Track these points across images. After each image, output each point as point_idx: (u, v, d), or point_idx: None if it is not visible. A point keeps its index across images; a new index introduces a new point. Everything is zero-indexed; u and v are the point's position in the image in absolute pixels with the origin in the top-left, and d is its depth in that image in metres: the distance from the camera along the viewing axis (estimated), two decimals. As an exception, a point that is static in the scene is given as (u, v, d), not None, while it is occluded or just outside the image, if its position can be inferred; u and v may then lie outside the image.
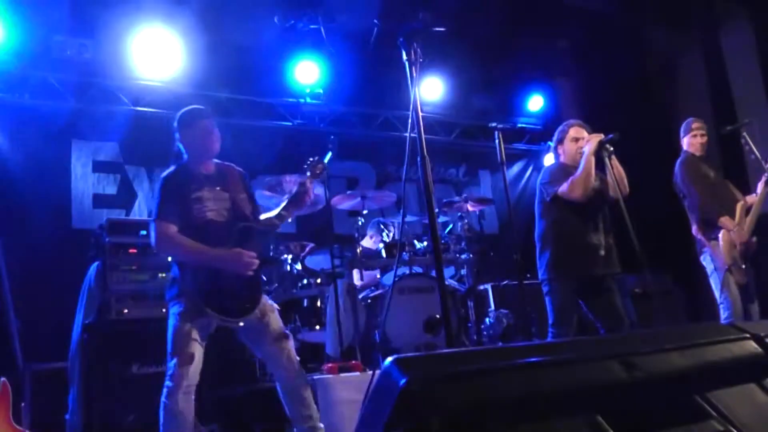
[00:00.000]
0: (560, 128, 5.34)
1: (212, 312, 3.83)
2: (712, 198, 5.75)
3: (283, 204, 4.29)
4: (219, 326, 3.99)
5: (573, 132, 5.21)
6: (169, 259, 4.12)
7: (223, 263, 3.88)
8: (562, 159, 5.24)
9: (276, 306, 4.20)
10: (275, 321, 4.09)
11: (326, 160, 4.83)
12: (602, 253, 4.97)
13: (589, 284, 4.96)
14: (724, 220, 5.65)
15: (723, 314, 5.57)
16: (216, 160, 4.29)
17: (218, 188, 4.12)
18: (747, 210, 5.74)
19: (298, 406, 4.03)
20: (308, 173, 4.36)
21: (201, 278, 3.87)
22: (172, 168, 4.14)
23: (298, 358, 4.11)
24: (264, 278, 4.15)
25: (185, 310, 3.83)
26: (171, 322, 3.86)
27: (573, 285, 4.95)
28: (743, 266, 5.59)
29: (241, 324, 3.97)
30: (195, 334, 3.79)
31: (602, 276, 4.98)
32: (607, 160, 4.83)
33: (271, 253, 4.20)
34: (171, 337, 3.81)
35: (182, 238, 3.89)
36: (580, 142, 5.12)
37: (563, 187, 4.93)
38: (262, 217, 4.33)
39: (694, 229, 5.88)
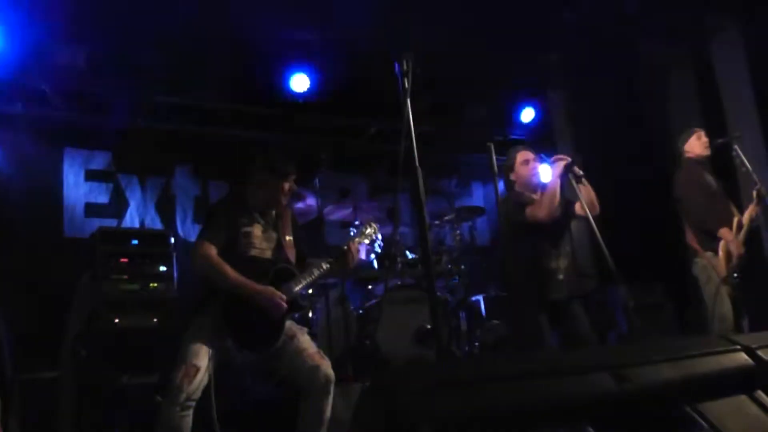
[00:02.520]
0: (508, 156, 5.35)
1: (231, 341, 3.84)
2: (713, 208, 5.74)
3: (330, 261, 4.32)
4: (235, 355, 4.00)
5: (521, 156, 5.24)
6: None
7: (254, 297, 3.91)
8: (516, 186, 5.22)
9: (305, 328, 4.22)
10: (306, 341, 4.11)
11: (319, 171, 4.83)
12: (560, 277, 4.98)
13: (551, 310, 4.93)
14: (724, 231, 5.63)
15: (716, 325, 5.57)
16: None
17: (269, 228, 4.20)
18: (740, 226, 5.73)
19: (315, 427, 3.99)
20: (356, 235, 4.53)
21: (230, 306, 3.89)
22: (229, 195, 4.21)
23: (334, 378, 4.06)
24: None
25: (202, 327, 3.86)
26: (188, 333, 3.87)
27: (538, 310, 4.91)
28: (736, 278, 5.59)
29: (258, 355, 4.00)
30: (206, 352, 3.78)
31: (564, 301, 4.97)
32: (574, 183, 4.85)
33: (303, 302, 4.20)
34: (181, 348, 3.81)
35: (221, 262, 3.93)
36: (531, 164, 5.17)
37: (528, 211, 4.94)
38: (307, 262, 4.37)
39: (689, 237, 5.87)
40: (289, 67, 8.37)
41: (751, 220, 5.77)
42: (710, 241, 5.69)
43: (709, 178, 5.91)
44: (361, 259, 4.63)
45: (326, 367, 4.01)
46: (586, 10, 8.48)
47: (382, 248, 6.89)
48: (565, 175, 4.89)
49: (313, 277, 4.22)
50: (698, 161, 5.97)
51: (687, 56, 9.27)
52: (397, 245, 6.81)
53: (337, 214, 6.97)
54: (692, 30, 9.00)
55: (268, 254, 4.14)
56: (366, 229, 4.55)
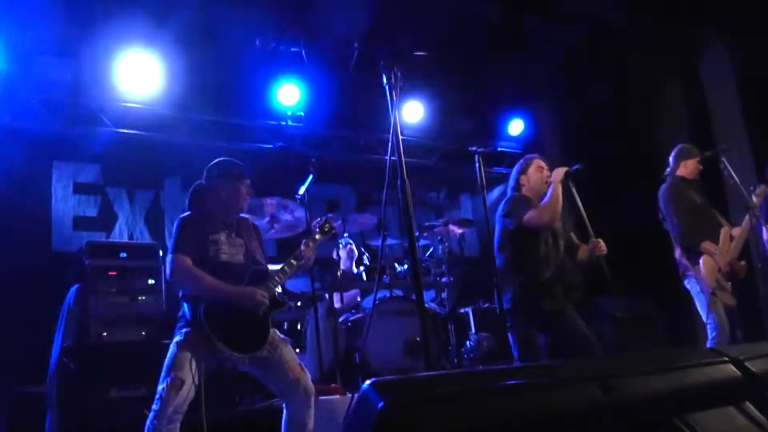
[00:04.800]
0: (523, 160, 5.35)
1: (221, 345, 3.82)
2: (694, 223, 5.74)
3: (289, 262, 4.30)
4: (223, 364, 4.02)
5: (537, 162, 5.25)
6: (180, 295, 4.10)
7: (236, 299, 3.94)
8: (524, 191, 5.21)
9: (288, 339, 4.19)
10: (289, 353, 4.09)
11: (307, 183, 4.82)
12: (556, 289, 4.98)
13: (549, 318, 4.92)
14: (706, 245, 5.64)
15: (710, 335, 5.57)
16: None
17: (234, 234, 4.22)
18: (731, 237, 5.73)
19: None
20: (317, 232, 4.50)
21: (213, 312, 3.88)
22: (190, 212, 4.22)
23: (314, 390, 4.07)
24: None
25: (187, 339, 3.84)
26: (171, 348, 3.86)
27: (534, 320, 4.92)
28: (729, 288, 5.60)
29: (247, 360, 3.96)
30: (191, 363, 3.77)
31: (561, 310, 4.96)
32: (573, 190, 4.92)
33: (283, 298, 4.19)
34: (166, 361, 3.81)
35: (199, 271, 3.94)
36: (545, 172, 5.16)
37: (530, 214, 4.91)
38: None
39: (677, 253, 5.88)
40: (278, 80, 8.39)
41: (748, 228, 5.78)
42: (695, 256, 5.69)
43: (694, 195, 5.92)
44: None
45: (307, 380, 4.03)
46: (576, 23, 8.53)
47: (371, 260, 6.94)
48: (566, 181, 4.93)
49: (287, 273, 4.25)
50: (685, 179, 5.98)
51: (675, 69, 9.32)
52: (386, 257, 6.81)
53: (326, 226, 6.95)
54: (681, 44, 9.06)
55: (240, 258, 4.15)
56: (324, 227, 4.54)
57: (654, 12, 8.42)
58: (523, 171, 5.27)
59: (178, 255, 3.98)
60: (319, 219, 4.58)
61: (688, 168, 6.01)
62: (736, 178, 5.87)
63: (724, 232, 5.74)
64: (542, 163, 5.25)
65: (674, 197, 5.87)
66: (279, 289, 4.26)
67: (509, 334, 4.96)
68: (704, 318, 5.63)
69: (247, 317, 3.95)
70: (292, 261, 4.28)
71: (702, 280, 5.61)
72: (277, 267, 4.27)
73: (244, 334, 3.93)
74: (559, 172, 4.97)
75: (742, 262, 5.70)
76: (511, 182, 5.37)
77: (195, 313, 3.91)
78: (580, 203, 4.94)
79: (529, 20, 8.45)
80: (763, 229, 6.56)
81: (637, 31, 8.83)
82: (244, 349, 3.91)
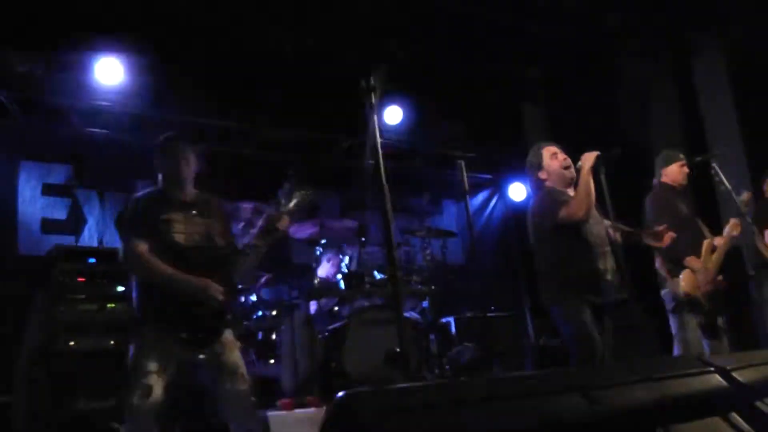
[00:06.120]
0: (532, 153, 5.19)
1: (174, 340, 3.78)
2: (681, 235, 5.67)
3: (256, 235, 4.18)
4: (180, 361, 3.90)
5: (547, 150, 5.11)
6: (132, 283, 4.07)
7: (190, 289, 3.85)
8: (548, 183, 5.06)
9: (238, 343, 4.13)
10: (235, 359, 4.02)
11: (285, 189, 4.79)
12: (609, 277, 4.86)
13: (596, 314, 4.79)
14: (691, 260, 5.62)
15: (676, 351, 5.60)
16: (198, 191, 4.29)
17: (193, 213, 4.11)
18: (714, 249, 5.74)
19: None
20: (290, 204, 4.24)
21: (166, 302, 3.83)
22: (143, 191, 4.16)
23: (254, 400, 4.04)
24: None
25: (144, 345, 3.79)
26: (134, 350, 3.82)
27: (585, 310, 4.75)
28: (707, 306, 5.59)
29: (202, 357, 3.90)
30: (154, 367, 3.72)
31: (608, 304, 4.86)
32: (603, 178, 4.82)
33: (240, 286, 4.13)
34: (130, 370, 3.77)
35: (152, 259, 3.87)
36: (560, 156, 5.06)
37: (564, 211, 4.77)
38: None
39: (658, 262, 5.89)
40: (256, 78, 8.32)
41: (732, 237, 5.80)
42: (677, 267, 5.68)
43: (680, 205, 5.92)
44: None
45: (249, 390, 3.99)
46: (565, 24, 8.55)
47: (350, 267, 6.92)
48: (597, 168, 4.83)
49: (250, 259, 4.14)
50: (672, 187, 5.98)
51: (667, 72, 9.36)
52: (366, 265, 6.80)
53: (304, 231, 6.93)
54: (673, 46, 9.11)
55: (197, 239, 4.03)
56: (295, 195, 4.27)
57: (647, 14, 8.47)
58: (537, 166, 5.11)
59: (132, 242, 3.91)
60: (287, 184, 4.36)
61: (670, 175, 6.01)
62: (727, 184, 5.87)
63: (706, 244, 5.74)
64: (554, 148, 5.12)
65: (658, 206, 5.86)
66: (239, 271, 4.15)
67: (564, 329, 4.83)
68: (674, 332, 5.66)
69: (202, 308, 3.87)
70: (257, 242, 4.13)
71: (679, 293, 5.62)
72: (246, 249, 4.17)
73: (199, 327, 3.87)
74: (590, 157, 4.85)
75: (720, 278, 5.67)
76: (531, 181, 5.23)
77: (146, 306, 3.87)
78: (607, 194, 4.82)
79: (518, 21, 8.46)
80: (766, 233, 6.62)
81: (629, 33, 8.87)
82: (198, 343, 3.86)
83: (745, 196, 5.92)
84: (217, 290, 3.88)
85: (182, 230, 4.01)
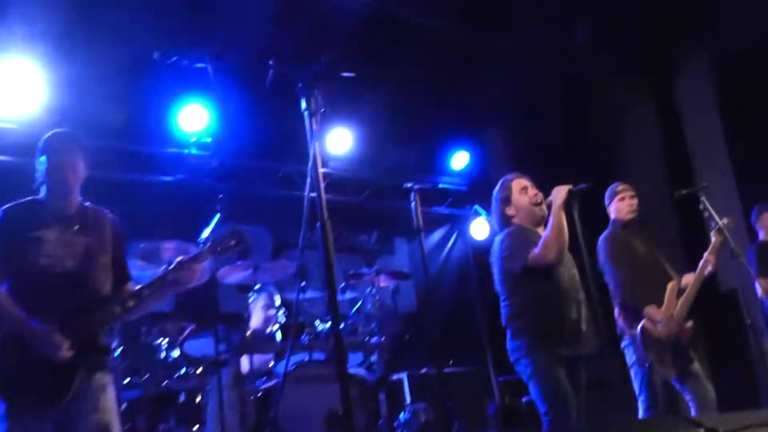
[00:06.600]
0: (500, 187, 5.26)
1: (15, 401, 3.57)
2: (636, 280, 5.75)
3: (155, 279, 3.98)
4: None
5: (517, 184, 5.18)
6: None
7: (29, 340, 3.61)
8: (515, 220, 5.14)
9: (111, 385, 3.88)
10: (110, 408, 3.80)
11: (213, 225, 4.74)
12: (583, 328, 4.90)
13: (568, 367, 4.83)
14: (650, 310, 5.65)
15: (642, 407, 5.62)
16: (87, 203, 4.13)
17: (74, 230, 3.91)
18: (682, 290, 5.78)
19: None
20: (207, 246, 4.11)
21: (7, 352, 3.65)
22: (13, 202, 3.97)
23: None
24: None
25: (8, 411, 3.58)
26: None
27: (558, 364, 4.78)
28: (670, 361, 5.61)
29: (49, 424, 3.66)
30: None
31: (583, 357, 4.91)
32: (576, 215, 4.85)
33: (105, 341, 3.80)
34: None
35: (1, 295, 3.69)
36: (531, 191, 5.13)
37: (535, 254, 4.81)
38: (128, 288, 4.09)
39: (616, 312, 5.86)
40: (180, 100, 8.30)
41: (704, 273, 5.83)
42: (635, 319, 5.69)
43: (636, 243, 5.98)
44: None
45: None
46: (528, 39, 8.64)
47: (287, 316, 6.88)
48: (570, 204, 4.86)
49: (128, 306, 3.87)
50: (623, 224, 6.06)
51: (646, 93, 9.46)
52: (305, 313, 6.77)
53: (234, 276, 6.87)
54: (653, 63, 9.21)
55: (70, 264, 3.80)
56: (223, 242, 4.08)
57: (618, 28, 8.58)
58: (505, 201, 5.18)
59: None
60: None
61: (616, 211, 6.10)
62: (719, 221, 5.90)
63: (670, 287, 5.77)
64: (524, 181, 5.19)
65: (612, 247, 5.90)
66: (109, 321, 3.91)
67: (531, 385, 4.83)
68: (636, 391, 5.68)
69: (45, 363, 3.60)
70: (145, 291, 3.90)
71: (638, 350, 5.63)
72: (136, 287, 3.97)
73: (39, 384, 3.62)
74: (560, 192, 4.90)
75: (689, 324, 5.70)
76: (497, 217, 5.29)
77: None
78: (580, 232, 4.83)
79: (478, 35, 8.56)
80: (756, 283, 6.72)
81: (604, 49, 8.96)
82: (42, 404, 3.61)
83: (726, 221, 5.96)
84: (58, 345, 3.62)
85: (51, 252, 3.79)
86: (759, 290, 6.69)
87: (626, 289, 5.75)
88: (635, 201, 6.07)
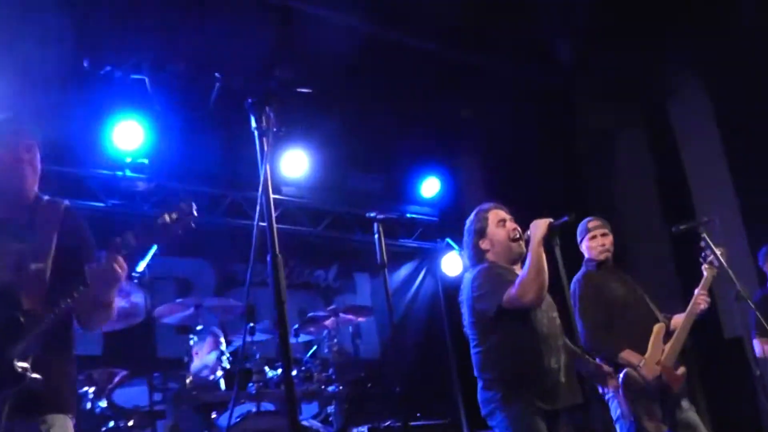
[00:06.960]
0: (474, 218, 5.23)
1: None
2: (610, 325, 5.77)
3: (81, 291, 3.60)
4: None
5: (494, 215, 5.16)
6: None
7: None
8: (489, 255, 5.12)
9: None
10: None
11: (148, 257, 4.61)
12: (562, 379, 4.87)
13: (547, 421, 4.80)
14: (626, 354, 5.62)
15: None
16: (46, 197, 3.96)
17: (19, 228, 3.71)
18: (672, 334, 5.77)
19: None
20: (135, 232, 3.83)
21: None
22: None
23: None
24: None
25: None
26: None
27: (535, 417, 4.75)
28: (659, 414, 5.56)
29: None
30: None
31: (562, 410, 4.88)
32: (557, 251, 4.83)
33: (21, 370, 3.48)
34: None
35: None
36: (509, 224, 5.10)
37: (510, 294, 4.76)
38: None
39: (598, 360, 5.71)
40: (114, 116, 8.21)
41: (695, 313, 5.80)
42: (616, 368, 5.61)
43: (615, 286, 5.97)
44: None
45: None
46: (506, 56, 8.67)
47: (233, 361, 6.79)
48: (550, 240, 4.83)
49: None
50: (598, 264, 6.07)
51: (638, 117, 9.51)
52: (253, 358, 6.69)
53: (173, 315, 6.79)
54: (645, 84, 9.26)
55: (4, 274, 3.54)
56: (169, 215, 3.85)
57: (607, 48, 8.63)
58: (479, 233, 5.15)
59: None
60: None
61: (591, 251, 6.11)
62: (722, 260, 5.80)
63: (656, 330, 5.73)
64: (503, 213, 5.18)
65: (583, 293, 5.91)
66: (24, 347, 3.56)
67: None
68: None
69: None
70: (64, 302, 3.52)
71: (622, 404, 5.56)
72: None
73: None
74: (540, 226, 4.85)
75: (680, 371, 5.66)
76: (469, 251, 5.26)
77: None
78: (562, 271, 4.83)
79: (452, 53, 8.57)
80: (755, 342, 6.71)
81: (592, 69, 9.01)
82: None
83: (720, 250, 5.90)
84: None
85: None
86: (758, 350, 6.70)
87: (599, 336, 5.73)
88: (608, 239, 6.10)
